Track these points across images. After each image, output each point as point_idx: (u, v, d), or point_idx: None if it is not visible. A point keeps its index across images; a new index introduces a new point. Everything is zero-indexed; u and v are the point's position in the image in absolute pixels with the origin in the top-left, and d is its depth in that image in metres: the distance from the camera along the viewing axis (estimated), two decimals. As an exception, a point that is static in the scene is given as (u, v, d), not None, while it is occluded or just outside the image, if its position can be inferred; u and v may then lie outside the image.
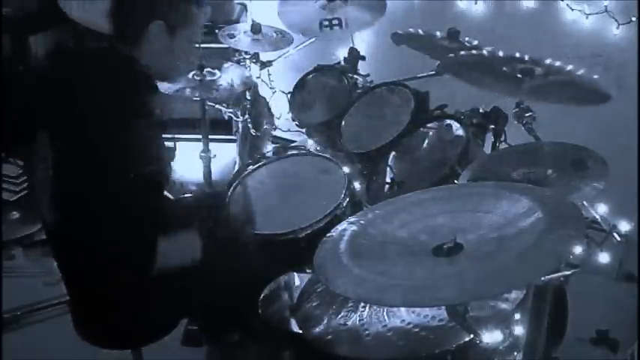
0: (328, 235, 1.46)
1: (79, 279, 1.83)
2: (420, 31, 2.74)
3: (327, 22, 2.75)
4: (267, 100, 3.18)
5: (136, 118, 1.64)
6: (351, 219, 1.49)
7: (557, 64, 2.08)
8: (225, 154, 3.56)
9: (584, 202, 1.80)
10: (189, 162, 3.50)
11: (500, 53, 2.15)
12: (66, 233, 1.76)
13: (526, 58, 2.09)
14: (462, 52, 2.27)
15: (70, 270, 1.84)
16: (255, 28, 2.87)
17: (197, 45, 1.91)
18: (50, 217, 1.77)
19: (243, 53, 3.04)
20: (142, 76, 1.73)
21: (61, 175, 1.69)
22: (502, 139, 2.31)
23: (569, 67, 2.07)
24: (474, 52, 2.27)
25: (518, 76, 1.99)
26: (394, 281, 1.22)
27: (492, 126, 2.31)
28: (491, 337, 1.38)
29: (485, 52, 2.21)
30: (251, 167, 2.36)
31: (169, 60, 1.77)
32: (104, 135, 1.60)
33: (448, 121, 2.29)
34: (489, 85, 2.01)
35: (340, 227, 1.47)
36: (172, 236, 1.74)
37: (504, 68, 2.04)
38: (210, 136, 3.37)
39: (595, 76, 2.01)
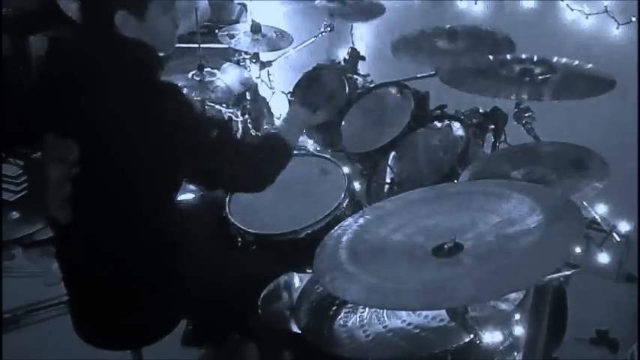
0: (329, 235, 1.45)
1: (81, 279, 1.83)
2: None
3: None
4: (267, 100, 3.17)
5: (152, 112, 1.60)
6: (358, 221, 1.49)
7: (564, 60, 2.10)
8: (225, 154, 3.55)
9: (584, 202, 1.80)
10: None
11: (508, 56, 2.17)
12: (74, 233, 1.75)
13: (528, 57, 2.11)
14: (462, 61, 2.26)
15: (73, 270, 1.84)
16: (255, 28, 2.87)
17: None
18: (60, 216, 1.74)
19: (243, 53, 3.04)
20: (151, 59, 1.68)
21: (78, 176, 1.66)
22: (502, 139, 2.31)
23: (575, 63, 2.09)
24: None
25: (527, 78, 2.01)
26: (405, 285, 1.21)
27: (492, 126, 2.31)
28: (491, 337, 1.38)
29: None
30: (251, 167, 2.36)
31: (155, 35, 1.69)
32: (123, 134, 1.58)
33: (448, 121, 2.29)
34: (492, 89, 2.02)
35: (340, 230, 1.46)
36: None
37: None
38: (210, 136, 3.37)
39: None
